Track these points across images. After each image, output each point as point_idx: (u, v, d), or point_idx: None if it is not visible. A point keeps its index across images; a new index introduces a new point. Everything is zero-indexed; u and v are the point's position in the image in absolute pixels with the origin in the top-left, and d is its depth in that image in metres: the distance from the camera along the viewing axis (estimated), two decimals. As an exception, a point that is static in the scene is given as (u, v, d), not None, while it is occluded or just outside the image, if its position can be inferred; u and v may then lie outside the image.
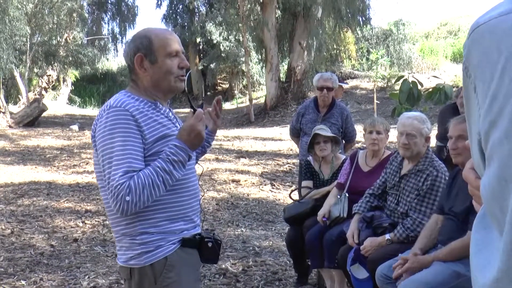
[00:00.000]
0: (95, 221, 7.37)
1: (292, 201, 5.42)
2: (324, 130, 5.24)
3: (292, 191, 5.59)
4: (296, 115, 6.32)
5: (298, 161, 6.53)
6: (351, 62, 26.49)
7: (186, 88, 2.58)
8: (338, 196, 4.77)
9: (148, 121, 2.40)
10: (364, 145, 5.00)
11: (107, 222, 7.23)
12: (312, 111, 6.10)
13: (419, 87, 8.84)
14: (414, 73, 15.10)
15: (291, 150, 13.24)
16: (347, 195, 4.71)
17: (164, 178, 2.32)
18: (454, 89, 11.34)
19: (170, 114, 2.59)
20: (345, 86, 7.14)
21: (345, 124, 6.03)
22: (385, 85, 21.53)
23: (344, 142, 6.12)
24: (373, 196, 4.37)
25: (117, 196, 2.25)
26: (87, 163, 11.75)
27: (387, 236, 3.99)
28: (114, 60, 35.69)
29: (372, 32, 25.24)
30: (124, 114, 2.35)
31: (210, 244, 2.54)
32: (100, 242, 6.46)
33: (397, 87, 19.45)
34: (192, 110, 2.49)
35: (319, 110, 6.06)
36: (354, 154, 5.00)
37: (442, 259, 3.48)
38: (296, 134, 6.38)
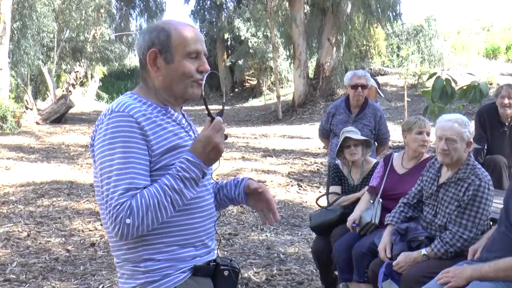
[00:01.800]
0: (93, 224, 7.14)
1: (318, 207, 5.08)
2: (354, 133, 4.91)
3: (319, 197, 5.25)
4: (326, 115, 5.98)
5: (327, 162, 6.19)
6: (380, 58, 25.97)
7: (203, 93, 2.17)
8: (371, 201, 4.44)
9: (156, 129, 2.05)
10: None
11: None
12: (343, 111, 5.76)
13: (453, 84, 8.47)
14: (447, 69, 14.62)
15: (319, 149, 12.92)
16: (380, 200, 4.38)
17: (173, 198, 1.99)
18: (490, 87, 10.91)
19: (184, 121, 2.23)
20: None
21: (379, 125, 5.69)
22: (415, 82, 21.01)
23: (376, 144, 5.78)
24: (407, 205, 4.01)
25: (116, 218, 1.93)
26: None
27: (424, 251, 3.62)
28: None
29: (402, 28, 24.69)
30: (127, 121, 2.00)
31: (226, 273, 2.20)
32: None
33: (428, 84, 19.03)
34: (209, 118, 2.08)
35: (351, 110, 5.72)
36: (388, 156, 4.66)
37: (483, 277, 3.11)
38: (325, 135, 6.05)
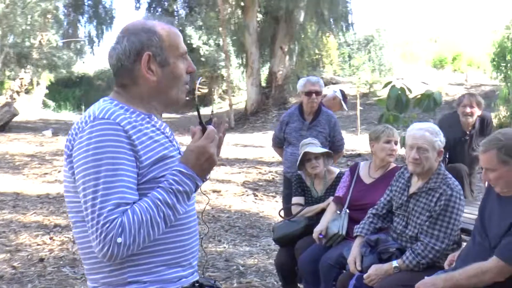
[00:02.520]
0: (65, 237, 6.77)
1: (281, 218, 4.92)
2: (313, 145, 4.78)
3: (281, 209, 5.10)
4: (280, 124, 5.83)
5: (282, 172, 6.03)
6: (332, 67, 26.19)
7: (196, 98, 2.00)
8: (338, 212, 4.31)
9: (143, 138, 1.86)
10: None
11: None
12: (297, 118, 5.62)
13: (408, 93, 8.49)
14: (402, 79, 14.82)
15: (273, 157, 12.82)
16: (347, 211, 4.25)
17: (166, 213, 1.81)
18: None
19: (168, 129, 2.05)
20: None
21: (333, 132, 5.57)
22: (367, 91, 21.23)
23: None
24: (376, 216, 3.89)
25: (105, 237, 1.72)
26: (59, 171, 11.15)
27: (395, 263, 3.51)
28: (90, 64, 34.88)
29: (355, 37, 25.00)
30: (114, 129, 1.80)
31: None
32: (69, 262, 5.86)
33: (380, 93, 19.24)
34: (200, 127, 1.93)
35: (305, 118, 5.58)
36: (354, 165, 4.56)
37: (456, 286, 3.01)
38: (279, 144, 5.88)
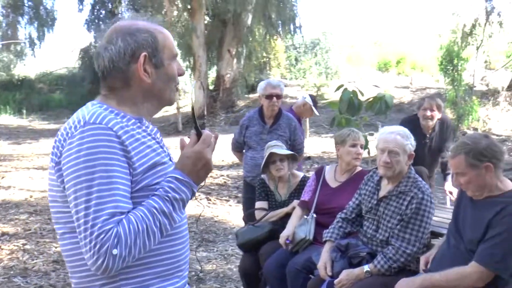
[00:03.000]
0: (14, 245, 6.49)
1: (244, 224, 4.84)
2: (279, 148, 4.73)
3: (245, 214, 5.02)
4: (239, 127, 5.75)
5: (243, 177, 5.95)
6: (279, 70, 26.30)
7: (192, 101, 1.94)
8: (305, 216, 4.25)
9: (136, 144, 1.77)
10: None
11: (28, 246, 6.42)
12: (257, 122, 5.56)
13: (360, 96, 8.56)
14: (354, 81, 14.97)
15: (222, 161, 12.76)
16: (314, 215, 4.20)
17: (162, 222, 1.72)
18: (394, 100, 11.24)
19: (159, 134, 1.96)
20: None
21: (294, 135, 5.53)
22: (315, 94, 21.40)
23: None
24: (346, 221, 3.86)
25: (100, 248, 1.62)
26: (2, 177, 10.73)
27: (366, 268, 3.49)
28: (32, 66, 33.83)
29: (303, 40, 25.17)
30: (106, 134, 1.70)
31: None
32: (20, 271, 5.61)
33: (327, 96, 19.42)
34: (195, 131, 1.85)
35: (265, 121, 5.53)
36: (320, 169, 4.52)
37: (434, 286, 3.03)
38: (239, 148, 5.81)
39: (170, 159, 1.93)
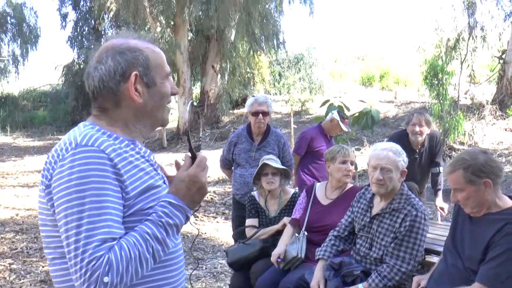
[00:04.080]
0: (1, 265, 6.38)
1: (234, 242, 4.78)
2: (273, 161, 4.70)
3: (235, 232, 4.96)
4: (228, 145, 5.71)
5: (232, 194, 5.90)
6: (263, 86, 26.31)
7: (186, 124, 1.89)
8: (296, 234, 4.20)
9: (128, 167, 1.72)
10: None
11: (15, 266, 6.29)
12: (245, 139, 5.53)
13: (346, 111, 8.57)
14: (340, 97, 15.04)
15: (209, 177, 12.62)
16: (305, 233, 4.16)
17: (155, 249, 1.66)
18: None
19: (152, 156, 1.90)
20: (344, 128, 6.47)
21: (283, 152, 5.51)
22: (299, 109, 21.42)
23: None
24: (338, 238, 3.82)
25: (91, 276, 1.55)
26: (-14, 197, 10.58)
27: (361, 286, 3.46)
28: (15, 83, 33.52)
29: (286, 55, 25.22)
30: (98, 157, 1.65)
31: None
32: (6, 293, 5.51)
33: (311, 111, 19.43)
34: (189, 154, 1.82)
35: (253, 138, 5.50)
36: (310, 186, 4.48)
37: None
38: (227, 166, 5.77)
39: (164, 182, 1.88)
